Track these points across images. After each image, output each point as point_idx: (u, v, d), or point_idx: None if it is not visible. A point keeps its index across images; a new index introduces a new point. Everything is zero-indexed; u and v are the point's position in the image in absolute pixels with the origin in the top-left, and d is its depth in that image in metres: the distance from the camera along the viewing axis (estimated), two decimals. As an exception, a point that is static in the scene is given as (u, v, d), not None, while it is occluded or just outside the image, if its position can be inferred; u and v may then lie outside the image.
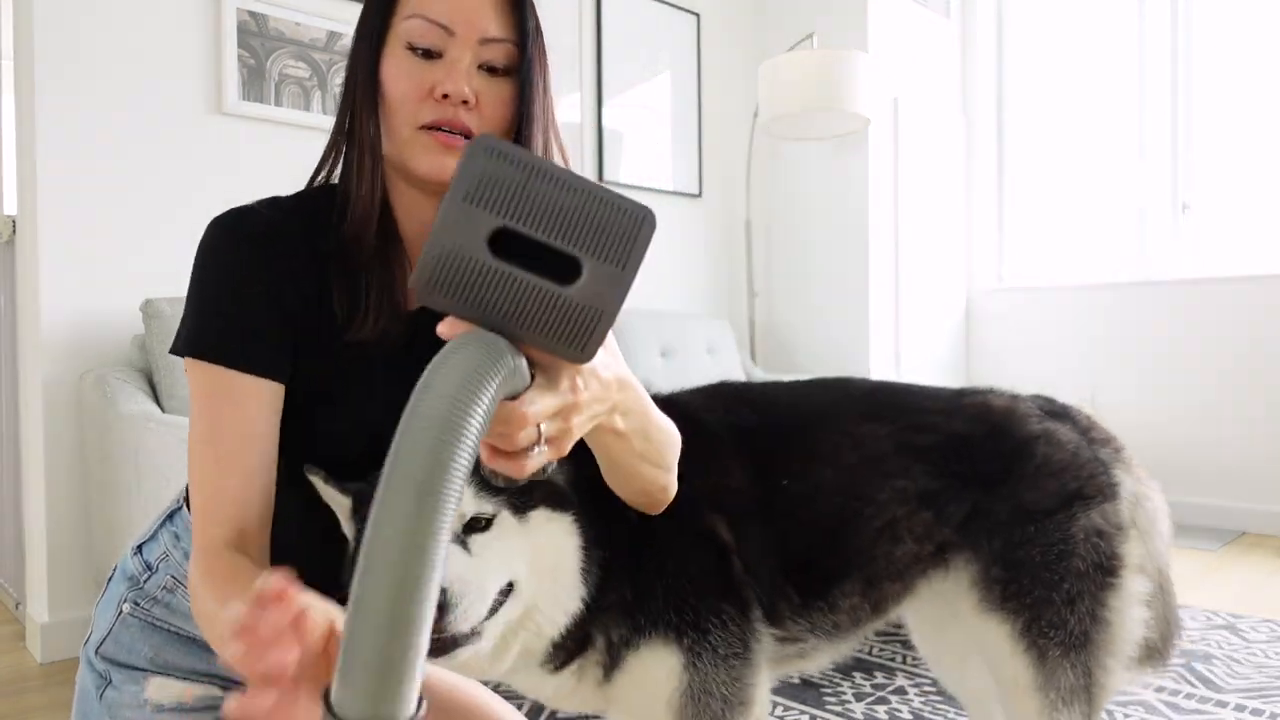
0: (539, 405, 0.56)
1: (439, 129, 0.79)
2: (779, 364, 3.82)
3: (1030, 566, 0.99)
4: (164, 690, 0.90)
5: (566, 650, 0.84)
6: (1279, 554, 3.04)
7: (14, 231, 2.27)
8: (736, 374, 3.28)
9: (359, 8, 2.82)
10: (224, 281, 0.79)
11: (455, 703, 1.11)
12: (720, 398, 1.04)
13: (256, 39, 2.40)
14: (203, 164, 2.32)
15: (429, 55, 0.79)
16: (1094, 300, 3.75)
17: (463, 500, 0.69)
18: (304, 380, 0.83)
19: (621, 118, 3.41)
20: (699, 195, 3.71)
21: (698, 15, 3.68)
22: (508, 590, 0.78)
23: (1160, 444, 3.55)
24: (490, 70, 0.81)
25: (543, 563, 0.79)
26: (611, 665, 0.86)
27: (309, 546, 0.84)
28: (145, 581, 0.92)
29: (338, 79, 2.55)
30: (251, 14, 2.39)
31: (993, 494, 1.01)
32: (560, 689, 0.88)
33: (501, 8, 0.82)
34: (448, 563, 0.62)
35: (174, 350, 0.81)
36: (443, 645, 0.72)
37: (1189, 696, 1.83)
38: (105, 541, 1.99)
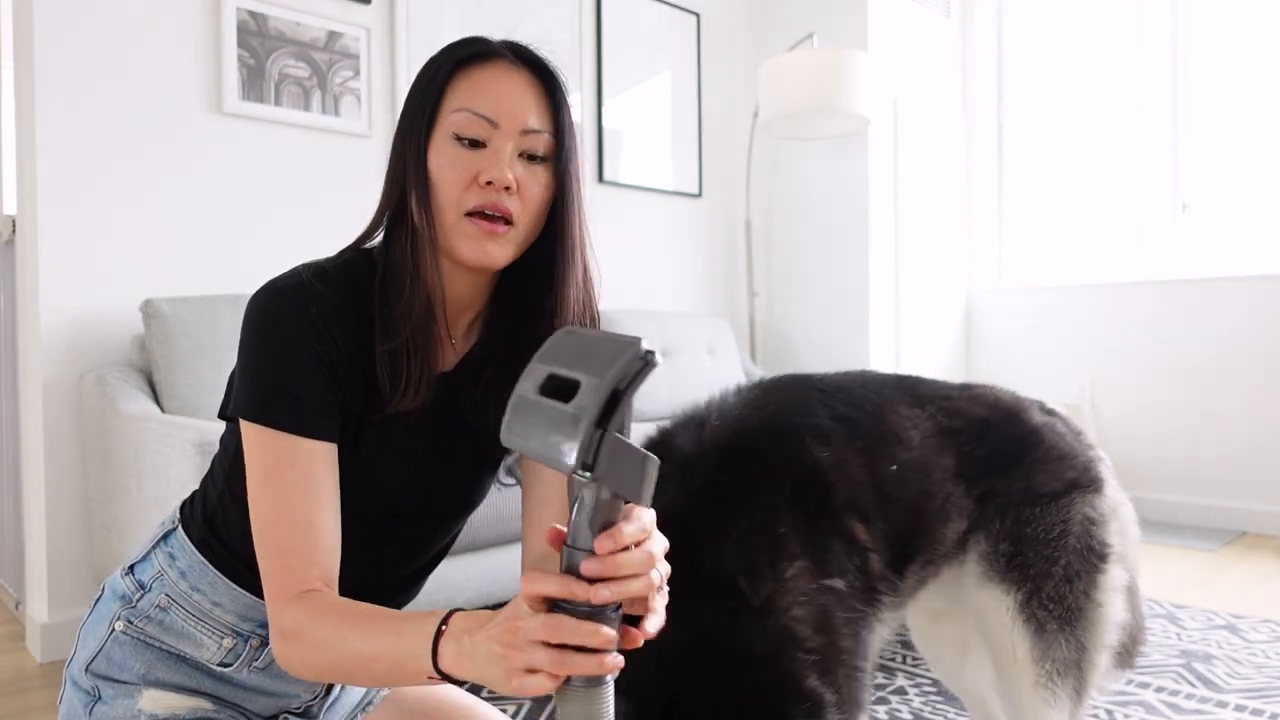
0: (628, 587, 0.61)
1: (483, 214, 0.85)
2: (779, 364, 3.82)
3: (1034, 542, 1.05)
4: (158, 702, 0.91)
5: None
6: (1279, 554, 3.04)
7: (14, 231, 2.27)
8: (736, 374, 3.27)
9: (359, 8, 2.84)
10: (284, 353, 0.84)
11: (440, 707, 1.11)
12: (809, 392, 1.06)
13: (256, 39, 2.40)
14: (203, 164, 2.32)
15: (474, 145, 0.86)
16: (1094, 300, 3.75)
17: None
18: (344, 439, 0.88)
19: (621, 118, 3.41)
20: (699, 195, 3.71)
21: (698, 15, 3.67)
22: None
23: (1160, 444, 3.55)
24: (530, 158, 0.88)
25: None
26: None
27: (364, 574, 0.91)
28: (138, 600, 0.93)
29: (338, 79, 2.55)
30: (251, 14, 2.39)
31: (1008, 475, 1.07)
32: None
33: (541, 102, 0.89)
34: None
35: (231, 413, 0.86)
36: None
37: (1189, 697, 1.83)
38: (105, 541, 1.99)
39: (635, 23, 3.44)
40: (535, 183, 0.88)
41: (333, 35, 2.54)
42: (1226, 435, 3.41)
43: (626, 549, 0.60)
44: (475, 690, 1.80)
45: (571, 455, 0.55)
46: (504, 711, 1.24)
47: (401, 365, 0.87)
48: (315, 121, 2.51)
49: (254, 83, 2.40)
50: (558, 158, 0.89)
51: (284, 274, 0.88)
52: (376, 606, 0.79)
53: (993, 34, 4.14)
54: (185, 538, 0.95)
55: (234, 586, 0.92)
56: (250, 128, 2.41)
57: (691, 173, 3.68)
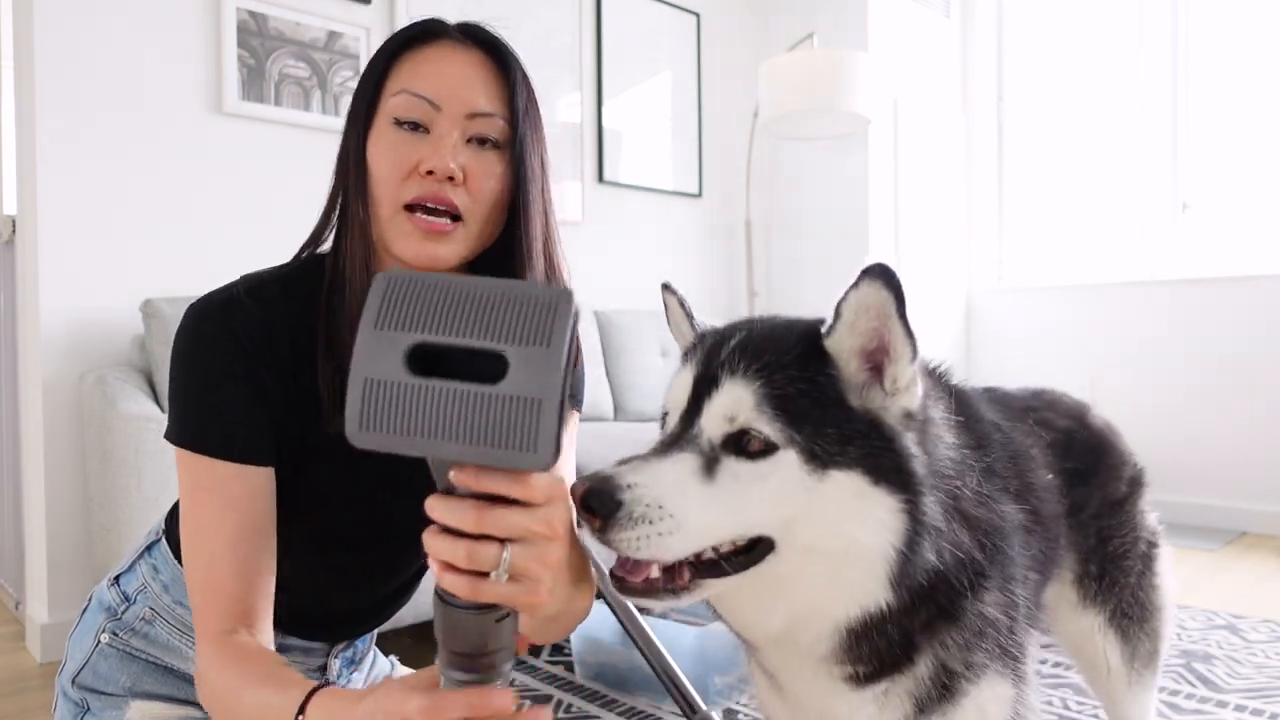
0: (508, 518, 0.50)
1: (424, 206, 0.77)
2: (779, 364, 3.82)
3: (1117, 557, 1.05)
4: (145, 713, 0.91)
5: (867, 660, 0.66)
6: (1279, 554, 3.03)
7: (14, 231, 2.27)
8: (736, 374, 3.27)
9: (359, 8, 2.85)
10: (210, 374, 0.78)
11: None
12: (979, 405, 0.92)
13: (256, 39, 2.40)
14: (203, 164, 2.32)
15: (416, 129, 0.78)
16: (1093, 300, 3.75)
17: (740, 407, 0.61)
18: (282, 462, 0.82)
19: (621, 118, 3.40)
20: (699, 195, 3.71)
21: (698, 15, 3.67)
22: (751, 547, 0.62)
23: (1160, 444, 3.55)
24: (480, 142, 0.79)
25: (829, 538, 0.61)
26: (940, 697, 0.68)
27: (313, 587, 0.86)
28: (123, 613, 0.92)
29: (338, 79, 2.55)
30: (251, 14, 2.39)
31: (1088, 486, 1.05)
32: (860, 715, 0.69)
33: (491, 81, 0.80)
34: (658, 471, 0.58)
35: (166, 435, 0.81)
36: (629, 585, 0.60)
37: (1189, 696, 1.83)
38: (105, 541, 1.99)
39: (635, 23, 3.44)
40: (486, 172, 0.78)
41: (333, 35, 2.54)
42: (1226, 435, 3.40)
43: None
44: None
45: (549, 449, 0.44)
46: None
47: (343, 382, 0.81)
48: (315, 121, 2.50)
49: (254, 83, 2.40)
50: (514, 146, 0.80)
51: (219, 288, 0.82)
52: (277, 660, 0.73)
53: (993, 34, 4.14)
54: (168, 549, 0.92)
55: None
56: (250, 128, 2.41)
57: (691, 173, 3.68)
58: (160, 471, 1.69)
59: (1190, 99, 3.63)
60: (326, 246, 0.86)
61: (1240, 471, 3.38)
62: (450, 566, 0.50)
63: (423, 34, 0.81)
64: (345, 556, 0.91)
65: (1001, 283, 4.14)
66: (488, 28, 0.83)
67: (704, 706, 1.29)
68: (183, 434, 0.78)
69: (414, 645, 2.08)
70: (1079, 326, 3.78)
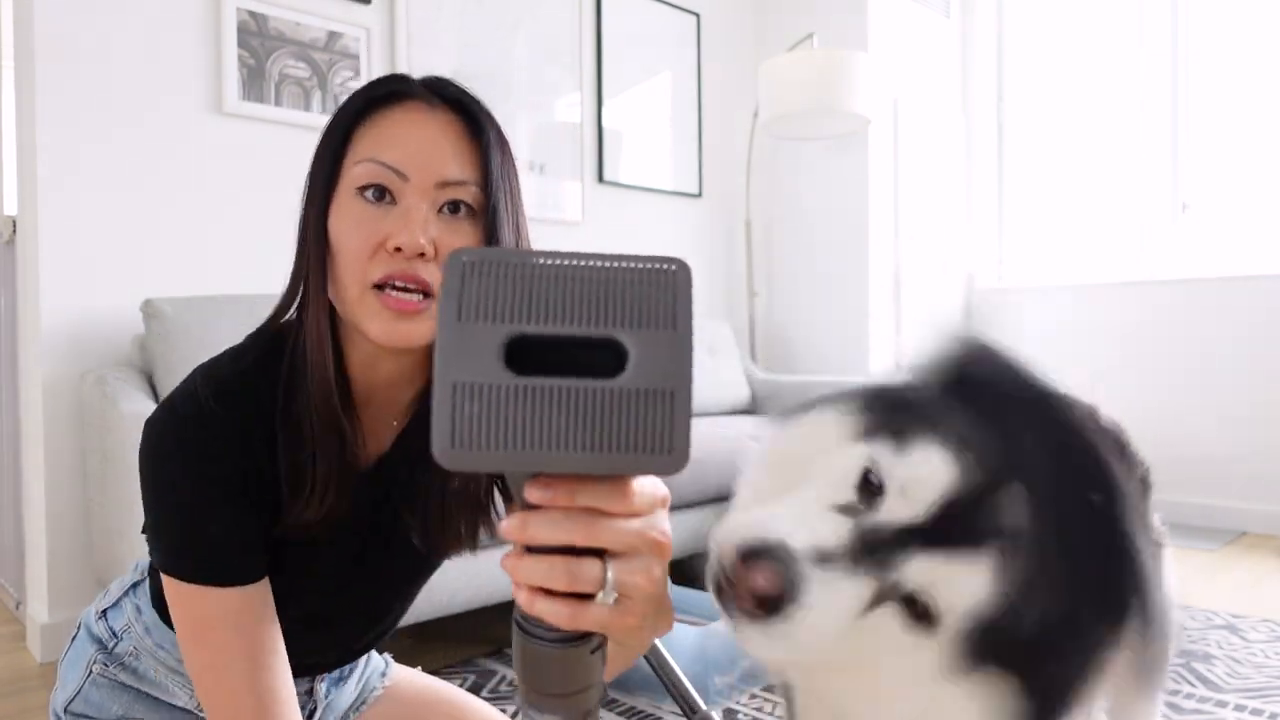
0: (620, 527, 0.42)
1: (392, 285, 0.71)
2: (779, 364, 3.82)
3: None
4: None
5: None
6: (1279, 554, 3.03)
7: (14, 231, 2.27)
8: (737, 374, 3.27)
9: (359, 8, 2.85)
10: (190, 500, 0.72)
11: (438, 702, 1.11)
12: None
13: (256, 39, 2.40)
14: (203, 164, 2.32)
15: (381, 198, 0.72)
16: (1094, 300, 3.75)
17: None
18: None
19: (621, 118, 3.41)
20: (699, 195, 3.71)
21: (698, 15, 3.67)
22: None
23: (1160, 444, 3.53)
24: (453, 209, 0.74)
25: None
26: None
27: (297, 644, 0.82)
28: (113, 647, 0.93)
29: (338, 79, 2.55)
30: (251, 14, 2.39)
31: None
32: None
33: (462, 145, 0.74)
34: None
35: (151, 557, 0.77)
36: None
37: (1189, 696, 1.83)
38: (105, 541, 1.99)
39: (635, 23, 3.44)
40: (459, 243, 0.72)
41: (333, 35, 2.54)
42: (1226, 435, 3.40)
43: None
44: (475, 690, 1.80)
45: (684, 447, 0.37)
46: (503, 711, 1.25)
47: (305, 471, 0.74)
48: (316, 121, 2.50)
49: (254, 83, 2.40)
50: (487, 216, 0.74)
51: (177, 394, 0.75)
52: None
53: (993, 34, 4.14)
54: (149, 593, 0.92)
55: None
56: (250, 128, 2.41)
57: (691, 173, 3.68)
58: (160, 471, 1.69)
59: (1190, 99, 3.63)
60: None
61: (1240, 471, 3.38)
62: (545, 592, 0.42)
63: (387, 96, 0.75)
64: (330, 625, 0.90)
65: (1001, 282, 4.14)
66: (456, 83, 0.77)
67: (704, 706, 1.29)
68: (178, 564, 0.73)
69: (414, 645, 2.09)
70: (1079, 326, 3.78)
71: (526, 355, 0.36)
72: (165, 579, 0.74)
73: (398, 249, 0.70)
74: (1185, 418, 3.50)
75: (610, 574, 0.43)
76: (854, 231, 3.61)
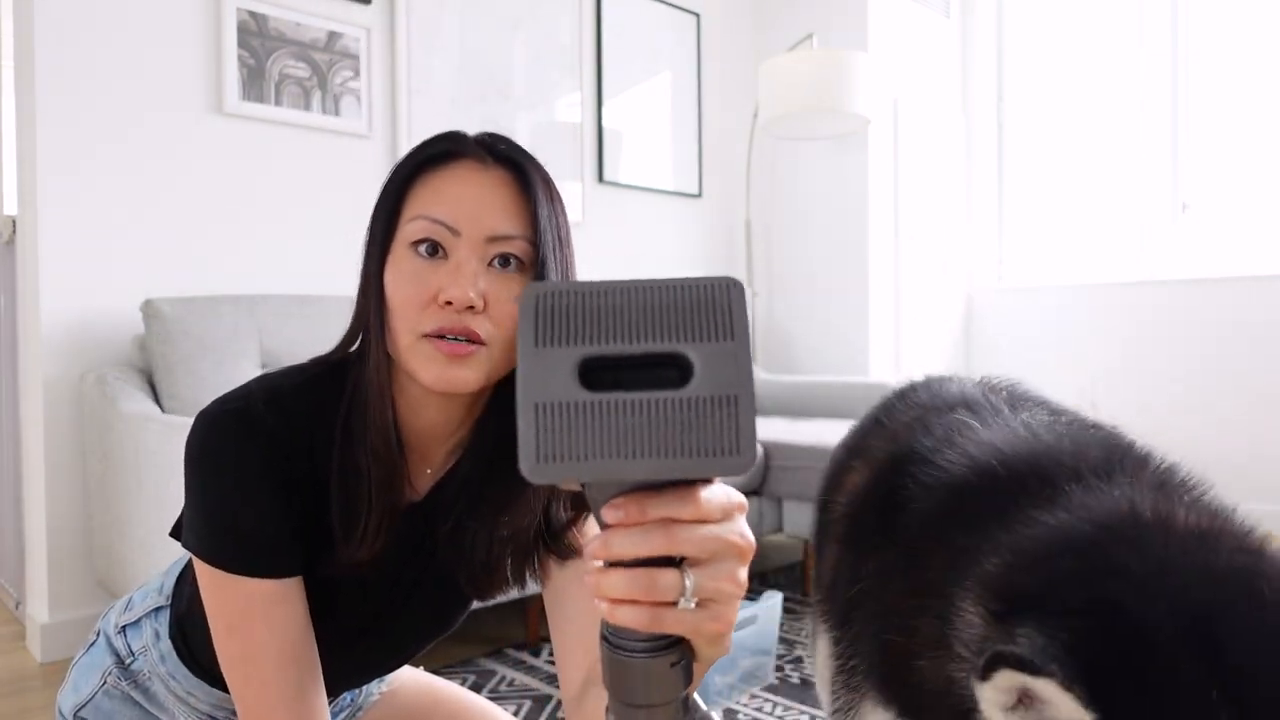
0: (698, 533, 0.44)
1: (443, 337, 0.74)
2: (779, 364, 3.82)
3: None
4: None
5: None
6: (1279, 554, 3.03)
7: (14, 231, 2.27)
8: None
9: (359, 8, 2.84)
10: (233, 489, 0.75)
11: (440, 702, 1.11)
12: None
13: (256, 39, 2.40)
14: (203, 164, 2.32)
15: (434, 253, 0.75)
16: (1093, 300, 3.75)
17: None
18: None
19: (621, 118, 3.41)
20: (699, 195, 3.71)
21: (698, 15, 3.68)
22: None
23: (1159, 444, 3.54)
24: (503, 263, 0.76)
25: None
26: None
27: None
28: (130, 664, 0.95)
29: (338, 79, 2.55)
30: (251, 14, 2.39)
31: None
32: None
33: (512, 201, 0.77)
34: None
35: (186, 547, 0.78)
36: None
37: (1189, 696, 1.82)
38: (105, 541, 1.99)
39: (635, 23, 3.44)
40: (508, 295, 0.75)
41: (333, 35, 2.54)
42: (1226, 435, 3.40)
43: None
44: (475, 690, 1.80)
45: (751, 447, 0.40)
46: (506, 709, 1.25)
47: (360, 512, 0.76)
48: (315, 121, 2.51)
49: (254, 83, 2.40)
50: (537, 269, 0.76)
51: (233, 394, 0.78)
52: None
53: (993, 34, 4.14)
54: (169, 622, 0.93)
55: (205, 685, 0.92)
56: (250, 128, 2.41)
57: (691, 173, 3.68)
58: (160, 471, 1.69)
59: (1190, 99, 3.63)
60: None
61: (1240, 471, 3.38)
62: (629, 601, 0.44)
63: (443, 155, 0.78)
64: (348, 659, 0.91)
65: (1001, 283, 4.14)
66: (508, 139, 0.80)
67: (704, 706, 1.29)
68: (218, 553, 0.75)
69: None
70: (1079, 326, 3.78)
71: (599, 374, 0.40)
72: (200, 568, 0.76)
73: (448, 302, 0.73)
74: (1185, 417, 3.50)
75: (690, 580, 0.44)
76: (854, 232, 3.61)
